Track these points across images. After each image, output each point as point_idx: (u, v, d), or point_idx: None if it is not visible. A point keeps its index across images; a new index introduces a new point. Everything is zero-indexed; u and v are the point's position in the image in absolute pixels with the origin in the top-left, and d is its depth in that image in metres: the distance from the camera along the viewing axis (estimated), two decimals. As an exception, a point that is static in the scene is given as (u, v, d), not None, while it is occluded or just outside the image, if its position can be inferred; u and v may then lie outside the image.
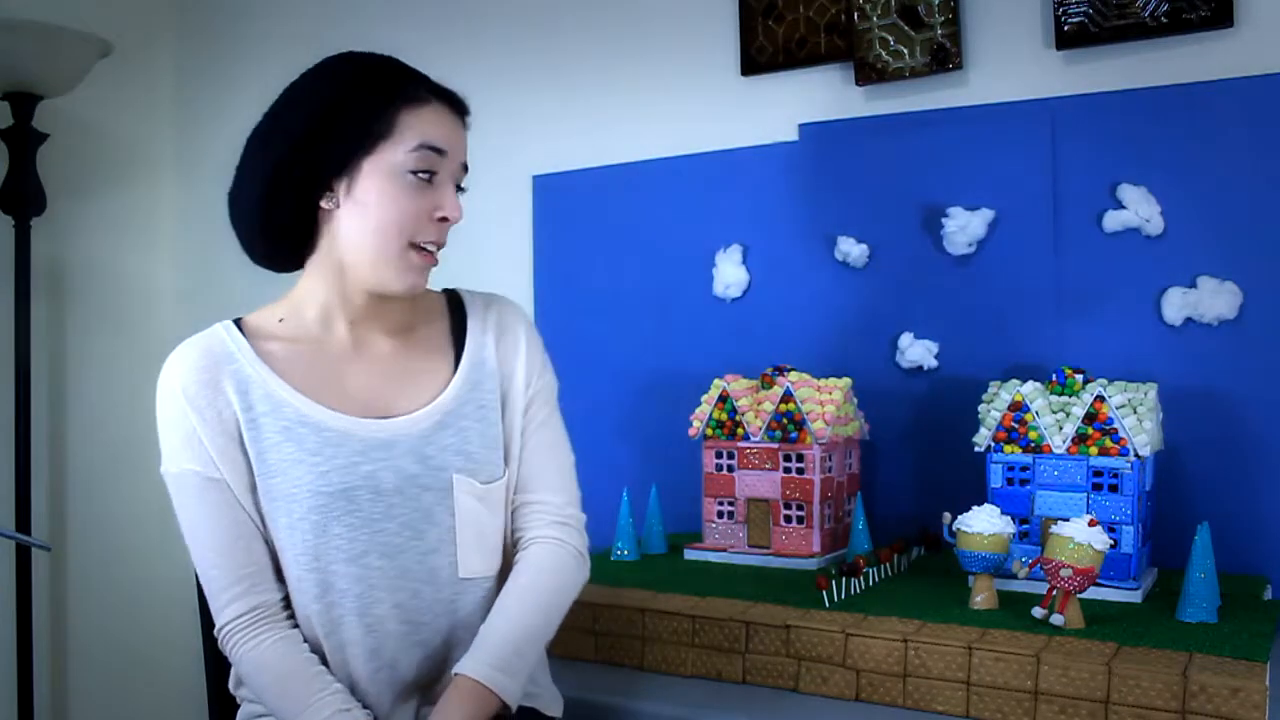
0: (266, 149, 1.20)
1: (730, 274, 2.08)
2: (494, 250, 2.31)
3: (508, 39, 2.34)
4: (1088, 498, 1.52)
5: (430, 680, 1.24)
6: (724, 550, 1.80)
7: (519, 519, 1.30)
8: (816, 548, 1.74)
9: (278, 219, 1.21)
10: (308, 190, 1.20)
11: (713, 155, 2.11)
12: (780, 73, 2.05)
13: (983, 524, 1.44)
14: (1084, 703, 1.21)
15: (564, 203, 2.27)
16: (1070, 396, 1.56)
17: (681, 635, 1.47)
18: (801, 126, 2.03)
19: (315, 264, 1.24)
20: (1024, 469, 1.56)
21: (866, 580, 1.59)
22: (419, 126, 1.19)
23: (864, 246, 1.96)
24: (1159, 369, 1.71)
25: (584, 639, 1.54)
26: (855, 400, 1.85)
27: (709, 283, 2.11)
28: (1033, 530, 1.55)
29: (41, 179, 2.38)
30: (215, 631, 1.20)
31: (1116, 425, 1.50)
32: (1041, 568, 1.37)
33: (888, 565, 1.67)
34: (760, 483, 1.78)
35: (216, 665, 1.37)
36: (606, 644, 1.53)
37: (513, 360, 1.30)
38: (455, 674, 1.17)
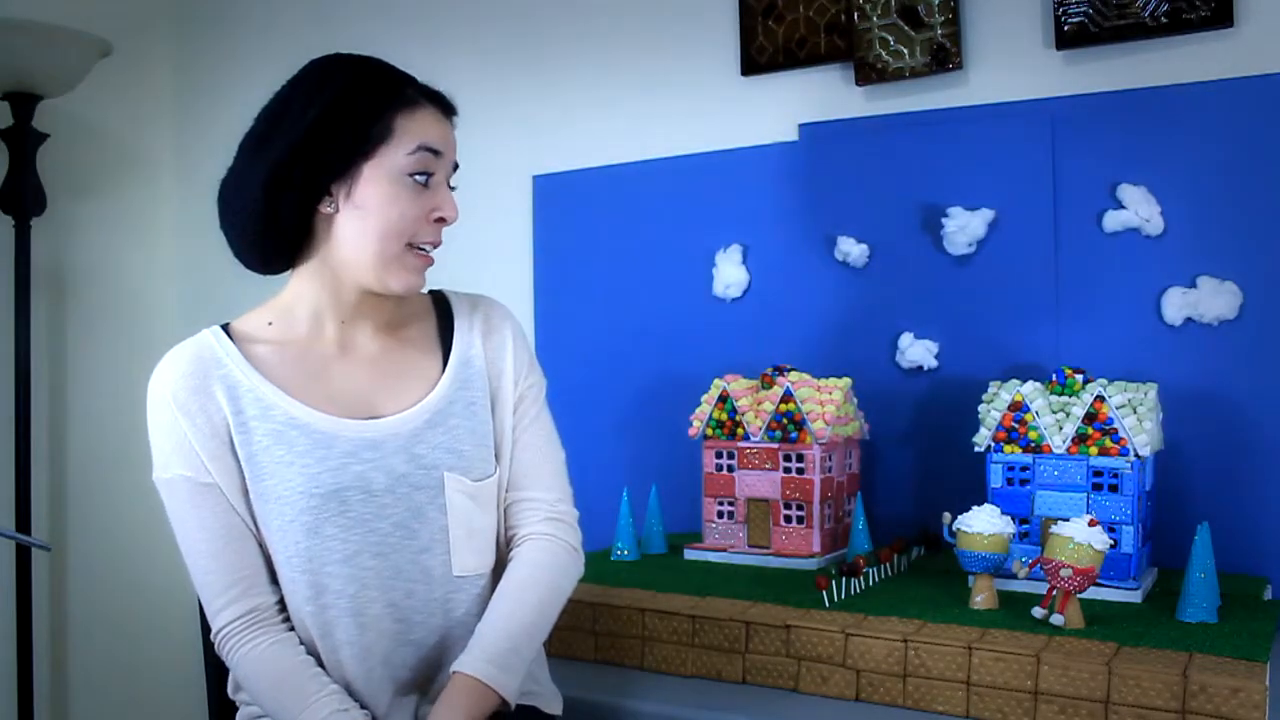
0: (263, 153, 1.19)
1: (730, 274, 2.08)
2: (494, 250, 2.31)
3: (508, 39, 2.34)
4: (1088, 498, 1.52)
5: (426, 679, 1.24)
6: (724, 550, 1.80)
7: (512, 516, 1.31)
8: (816, 548, 1.74)
9: (276, 223, 1.20)
10: (306, 194, 1.19)
11: (713, 155, 2.11)
12: (780, 73, 2.05)
13: (983, 524, 1.44)
14: (1084, 703, 1.21)
15: (564, 203, 2.27)
16: (1070, 396, 1.56)
17: (681, 635, 1.47)
18: (801, 126, 2.03)
19: (309, 267, 1.24)
20: (1024, 469, 1.56)
21: (866, 580, 1.59)
22: (416, 129, 1.20)
23: (864, 246, 1.96)
24: (1159, 369, 1.71)
25: (584, 639, 1.54)
26: (855, 400, 1.85)
27: (709, 283, 2.11)
28: (1033, 530, 1.55)
29: (41, 179, 2.38)
30: (211, 636, 1.20)
31: (1116, 425, 1.50)
32: (1041, 568, 1.37)
33: (888, 565, 1.67)
34: (760, 483, 1.78)
35: (216, 666, 1.37)
36: (606, 644, 1.53)
37: (501, 359, 1.31)
38: (454, 672, 1.17)
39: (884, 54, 1.94)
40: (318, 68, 1.23)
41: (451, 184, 1.26)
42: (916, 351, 1.91)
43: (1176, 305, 1.72)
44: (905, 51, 1.92)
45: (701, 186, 2.12)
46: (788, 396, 1.74)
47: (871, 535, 1.77)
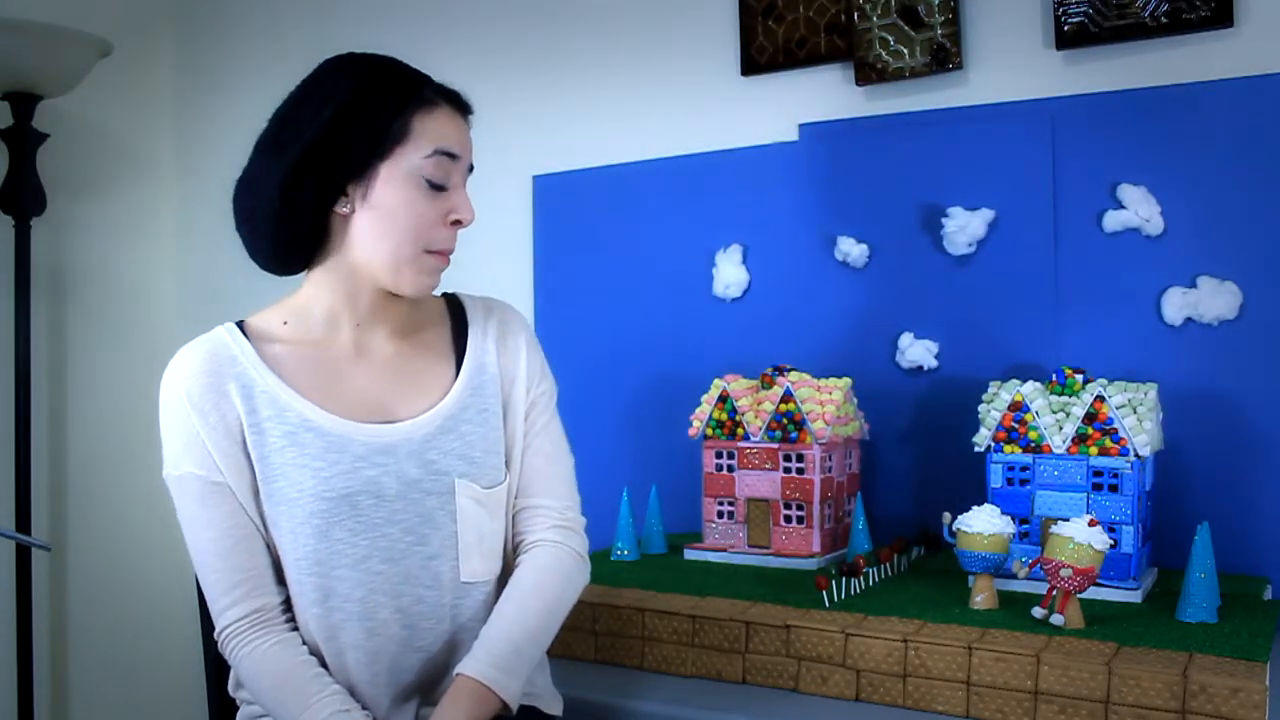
0: (280, 154, 1.18)
1: (730, 274, 2.08)
2: (494, 250, 2.31)
3: (508, 39, 2.34)
4: (1088, 498, 1.52)
5: (430, 683, 1.24)
6: (724, 550, 1.80)
7: (520, 523, 1.31)
8: (816, 548, 1.74)
9: (292, 224, 1.20)
10: (323, 195, 1.19)
11: (713, 155, 2.11)
12: (780, 73, 2.05)
13: (983, 524, 1.44)
14: (1084, 703, 1.21)
15: (564, 203, 2.27)
16: (1070, 396, 1.56)
17: (681, 635, 1.47)
18: (801, 126, 2.03)
19: (325, 267, 1.24)
20: (1024, 469, 1.56)
21: (866, 580, 1.59)
22: (433, 131, 1.19)
23: (864, 246, 1.96)
24: (1159, 369, 1.71)
25: (584, 639, 1.54)
26: (855, 400, 1.85)
27: (709, 283, 2.11)
28: (1033, 530, 1.55)
29: (41, 179, 2.38)
30: (215, 635, 1.20)
31: (1116, 425, 1.50)
32: (1041, 568, 1.37)
33: (888, 565, 1.67)
34: (760, 483, 1.78)
35: (216, 666, 1.37)
36: (606, 644, 1.53)
37: (514, 366, 1.30)
38: (456, 674, 1.17)
39: (884, 54, 1.94)
40: (333, 66, 1.22)
41: (465, 185, 1.25)
42: (916, 351, 1.91)
43: (1176, 305, 1.72)
44: (905, 51, 1.92)
45: (701, 186, 2.12)
46: (788, 396, 1.74)
47: (871, 535, 1.77)
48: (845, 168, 1.99)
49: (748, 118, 2.09)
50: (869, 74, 1.95)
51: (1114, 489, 1.51)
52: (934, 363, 1.91)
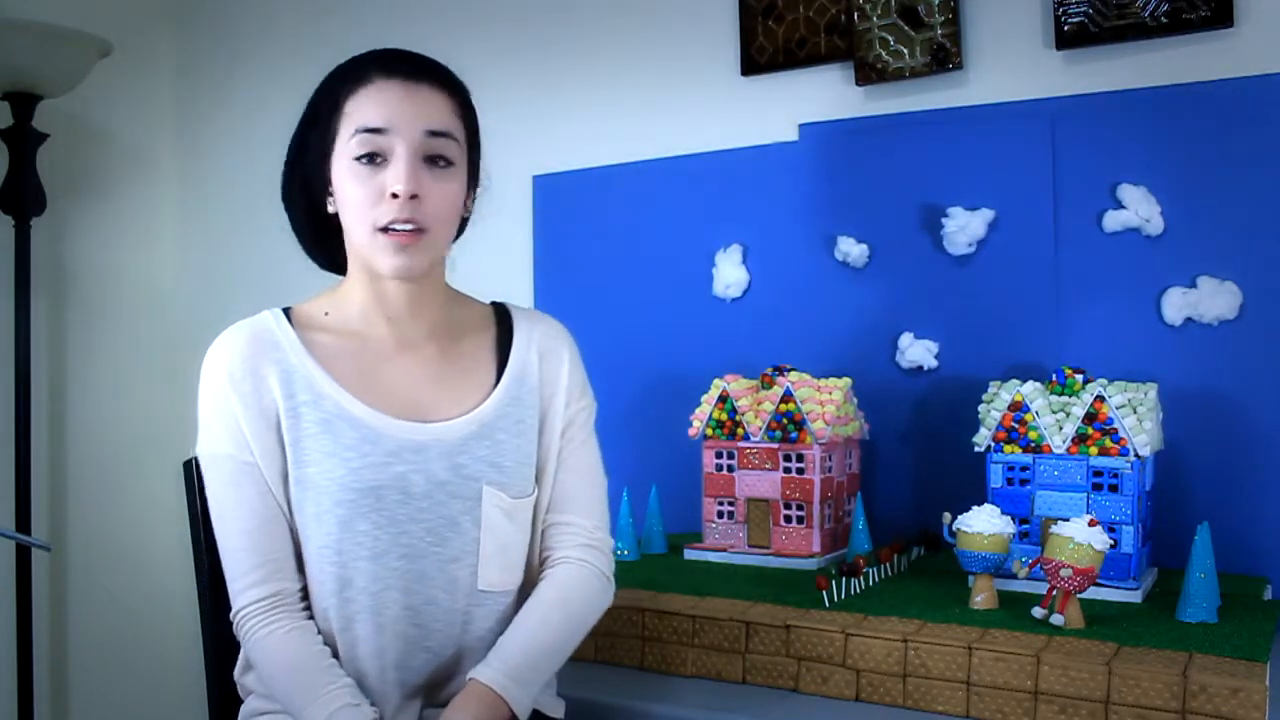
0: (287, 162, 1.27)
1: (730, 274, 2.08)
2: (494, 250, 2.31)
3: (507, 39, 2.34)
4: (1088, 498, 1.52)
5: (436, 685, 1.24)
6: (724, 550, 1.80)
7: (549, 538, 1.31)
8: (816, 548, 1.74)
9: (307, 228, 1.28)
10: (313, 198, 1.26)
11: (713, 155, 2.11)
12: (780, 73, 2.05)
13: (983, 524, 1.44)
14: (1084, 703, 1.20)
15: (564, 203, 2.27)
16: (1070, 396, 1.56)
17: (681, 635, 1.47)
18: (801, 126, 2.03)
19: (350, 262, 1.27)
20: (1024, 469, 1.56)
21: (866, 580, 1.59)
22: (357, 111, 1.19)
23: (864, 246, 1.96)
24: (1159, 369, 1.71)
25: (584, 639, 1.53)
26: (855, 400, 1.85)
27: (709, 283, 2.11)
28: (1033, 530, 1.55)
29: (41, 179, 2.38)
30: (231, 615, 1.20)
31: (1116, 425, 1.50)
32: (1041, 568, 1.37)
33: (888, 565, 1.67)
34: (760, 483, 1.78)
35: (217, 665, 1.37)
36: (606, 644, 1.53)
37: (555, 381, 1.31)
38: (469, 678, 1.17)
39: (884, 54, 1.94)
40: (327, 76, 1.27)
41: (437, 152, 1.20)
42: (916, 351, 1.91)
43: (1176, 305, 1.72)
44: (905, 51, 1.92)
45: (701, 186, 2.12)
46: (788, 396, 1.74)
47: (871, 535, 1.77)
48: (845, 168, 1.99)
49: (748, 118, 2.09)
50: (869, 74, 1.95)
51: (1114, 489, 1.51)
52: (934, 363, 1.91)
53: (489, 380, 1.28)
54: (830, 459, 1.77)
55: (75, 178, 2.61)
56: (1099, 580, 1.41)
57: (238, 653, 1.27)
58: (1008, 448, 1.57)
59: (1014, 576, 1.44)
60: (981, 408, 1.61)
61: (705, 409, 1.82)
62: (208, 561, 1.36)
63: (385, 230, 1.18)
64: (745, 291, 2.08)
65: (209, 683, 1.41)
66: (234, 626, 1.20)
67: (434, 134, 1.19)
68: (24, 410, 2.39)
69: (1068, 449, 1.53)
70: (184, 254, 2.82)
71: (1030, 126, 1.83)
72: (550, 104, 2.30)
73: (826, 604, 1.46)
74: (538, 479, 1.29)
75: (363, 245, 1.21)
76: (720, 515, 1.82)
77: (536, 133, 2.30)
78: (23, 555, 2.37)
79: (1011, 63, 1.87)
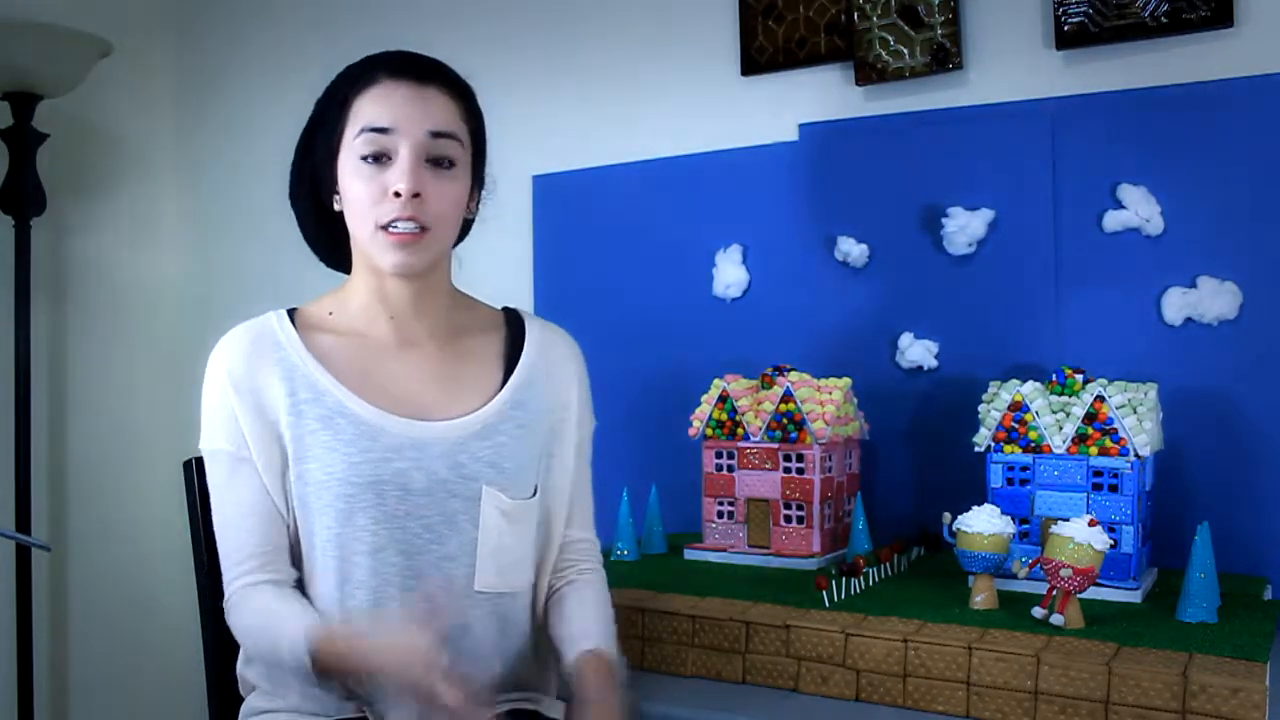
0: (295, 161, 1.29)
1: (730, 274, 2.08)
2: (494, 250, 2.31)
3: (507, 39, 2.34)
4: (1088, 498, 1.52)
5: None
6: (724, 550, 1.80)
7: (571, 552, 1.35)
8: (816, 548, 1.74)
9: (313, 226, 1.31)
10: (319, 196, 1.28)
11: (713, 155, 2.11)
12: (780, 73, 2.05)
13: (983, 524, 1.44)
14: (1084, 703, 1.20)
15: (564, 203, 2.27)
16: (1070, 396, 1.56)
17: (681, 635, 1.47)
18: (801, 126, 2.03)
19: (354, 260, 1.29)
20: (1024, 469, 1.56)
21: (866, 580, 1.59)
22: (363, 111, 1.21)
23: (864, 246, 1.96)
24: (1159, 369, 1.71)
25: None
26: (855, 400, 1.85)
27: (709, 283, 2.11)
28: (1033, 530, 1.55)
29: (41, 179, 2.38)
30: (224, 603, 1.22)
31: (1116, 425, 1.50)
32: (1041, 568, 1.37)
33: (888, 565, 1.67)
34: (760, 483, 1.78)
35: (217, 665, 1.37)
36: (606, 644, 1.53)
37: (565, 394, 1.34)
38: (586, 651, 1.21)
39: (884, 54, 1.94)
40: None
41: (440, 153, 1.21)
42: (916, 351, 1.91)
43: (1176, 305, 1.72)
44: (905, 51, 1.92)
45: (701, 186, 2.12)
46: (788, 396, 1.74)
47: (871, 535, 1.77)
48: (845, 168, 1.99)
49: (748, 118, 2.09)
50: (869, 74, 1.95)
51: (1114, 489, 1.51)
52: (934, 363, 1.91)
53: (494, 382, 1.30)
54: (830, 459, 1.77)
55: (75, 178, 2.61)
56: (1099, 580, 1.41)
57: (238, 650, 1.28)
58: (1008, 448, 1.57)
59: (1014, 576, 1.44)
60: (981, 408, 1.61)
61: (705, 409, 1.82)
62: (207, 561, 1.36)
63: (387, 228, 1.20)
64: (745, 291, 2.08)
65: (209, 683, 1.41)
66: (225, 615, 1.22)
67: (438, 135, 1.21)
68: (24, 410, 2.39)
69: (1068, 449, 1.53)
70: (184, 254, 2.82)
71: (1030, 126, 1.83)
72: (550, 104, 2.30)
73: (826, 604, 1.46)
74: (553, 493, 1.32)
75: (365, 243, 1.23)
76: (720, 515, 1.82)
77: (536, 133, 2.30)
78: (23, 555, 2.37)
79: (1011, 63, 1.87)
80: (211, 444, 1.23)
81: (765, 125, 2.07)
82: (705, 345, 2.10)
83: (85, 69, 2.36)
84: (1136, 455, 1.49)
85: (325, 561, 1.21)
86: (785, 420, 1.74)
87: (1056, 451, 1.53)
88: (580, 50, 2.27)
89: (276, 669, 1.20)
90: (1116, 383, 1.57)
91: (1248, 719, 1.13)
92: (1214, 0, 1.68)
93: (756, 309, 2.07)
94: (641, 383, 2.17)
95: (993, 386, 1.63)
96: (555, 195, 2.28)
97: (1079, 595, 1.35)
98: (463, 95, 1.26)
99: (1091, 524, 1.35)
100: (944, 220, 1.87)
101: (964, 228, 1.85)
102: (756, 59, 2.07)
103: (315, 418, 1.21)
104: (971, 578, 1.46)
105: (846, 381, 1.79)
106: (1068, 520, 1.38)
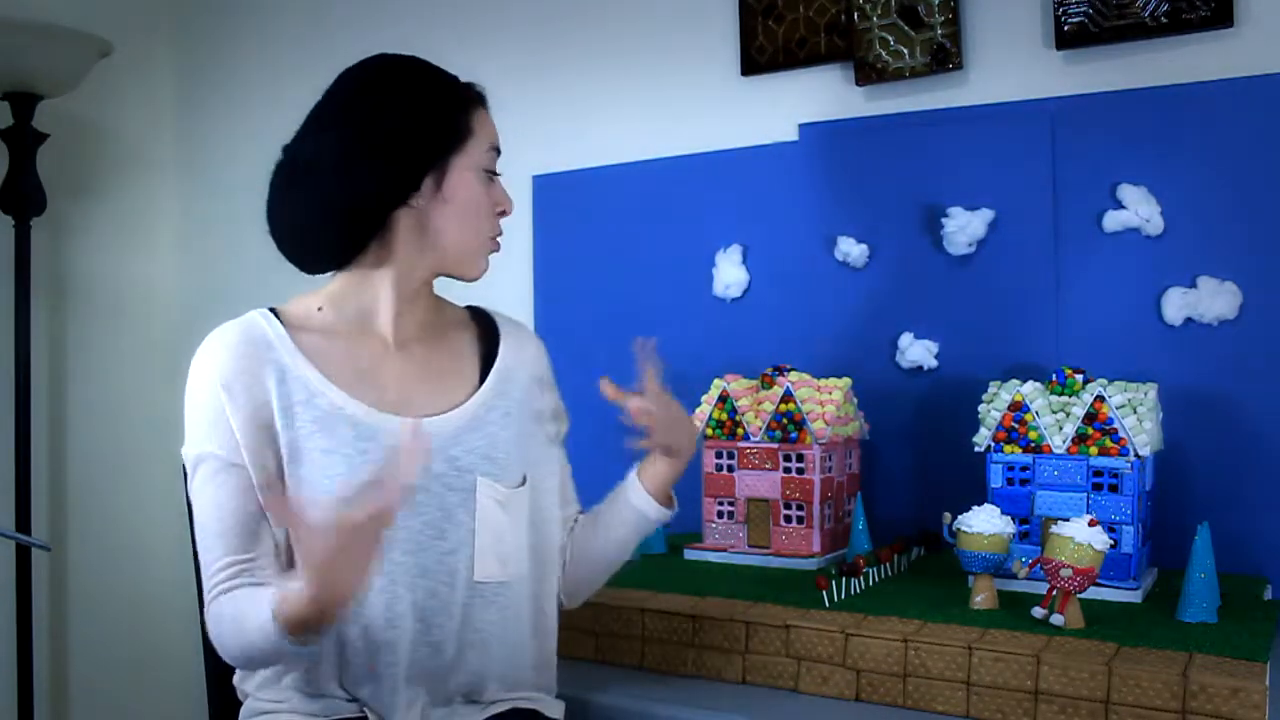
0: (350, 153, 1.20)
1: (730, 274, 2.08)
2: (494, 250, 2.31)
3: (507, 39, 2.34)
4: (1088, 498, 1.52)
5: (438, 681, 1.24)
6: (724, 550, 1.80)
7: (571, 516, 1.41)
8: (816, 548, 1.74)
9: (362, 219, 1.23)
10: (399, 189, 1.22)
11: (713, 155, 2.11)
12: (780, 73, 2.05)
13: (983, 524, 1.44)
14: (1084, 703, 1.20)
15: (564, 203, 2.27)
16: (1070, 396, 1.56)
17: (681, 635, 1.47)
18: (801, 126, 2.03)
19: (369, 260, 1.26)
20: (1024, 469, 1.56)
21: (866, 580, 1.59)
22: (487, 128, 1.29)
23: (864, 246, 1.96)
24: (1159, 369, 1.71)
25: (584, 639, 1.54)
26: (855, 400, 1.85)
27: (709, 283, 2.11)
28: (1033, 530, 1.55)
29: (41, 179, 2.38)
30: (204, 615, 1.18)
31: (1116, 425, 1.50)
32: (1041, 568, 1.37)
33: (888, 565, 1.67)
34: (760, 483, 1.78)
35: (217, 665, 1.37)
36: (606, 644, 1.53)
37: (540, 385, 1.38)
38: (638, 476, 1.39)
39: (884, 54, 1.94)
40: (385, 70, 1.26)
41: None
42: (916, 351, 1.91)
43: (1176, 305, 1.72)
44: (905, 51, 1.92)
45: (701, 186, 2.12)
46: (788, 396, 1.74)
47: (871, 535, 1.77)
48: (845, 168, 1.99)
49: (748, 118, 2.09)
50: (869, 74, 1.95)
51: (1114, 489, 1.51)
52: (934, 363, 1.91)
53: (474, 376, 1.33)
54: (830, 459, 1.77)
55: (75, 178, 2.61)
56: (1099, 580, 1.41)
57: None
58: (1008, 448, 1.57)
59: (1014, 576, 1.44)
60: (981, 408, 1.61)
61: (705, 409, 1.82)
62: (208, 561, 1.35)
63: (492, 238, 1.31)
64: (745, 291, 2.08)
65: (209, 683, 1.41)
66: (208, 628, 1.18)
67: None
68: (24, 410, 2.39)
69: (1068, 449, 1.53)
70: (184, 254, 2.82)
71: (1030, 126, 1.83)
72: (550, 104, 2.30)
73: (826, 604, 1.46)
74: (540, 479, 1.33)
75: (468, 249, 1.28)
76: (720, 515, 1.82)
77: (536, 133, 2.30)
78: (23, 555, 2.37)
79: (1011, 63, 1.87)
80: (199, 448, 1.19)
81: (765, 125, 2.07)
82: (705, 345, 2.10)
83: (85, 69, 2.36)
84: (1136, 455, 1.49)
85: None
86: (785, 420, 1.74)
87: (1056, 451, 1.53)
88: (580, 50, 2.27)
89: (257, 662, 1.17)
90: (1116, 383, 1.57)
91: (1248, 719, 1.13)
92: (1214, 0, 1.68)
93: (756, 309, 2.07)
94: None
95: (993, 386, 1.63)
96: (555, 195, 2.28)
97: (1079, 595, 1.35)
98: None
99: (1091, 524, 1.35)
100: (944, 220, 1.87)
101: (964, 228, 1.85)
102: (756, 59, 2.07)
103: (310, 419, 1.20)
104: (971, 578, 1.46)
105: (846, 381, 1.79)
106: (1068, 520, 1.38)
